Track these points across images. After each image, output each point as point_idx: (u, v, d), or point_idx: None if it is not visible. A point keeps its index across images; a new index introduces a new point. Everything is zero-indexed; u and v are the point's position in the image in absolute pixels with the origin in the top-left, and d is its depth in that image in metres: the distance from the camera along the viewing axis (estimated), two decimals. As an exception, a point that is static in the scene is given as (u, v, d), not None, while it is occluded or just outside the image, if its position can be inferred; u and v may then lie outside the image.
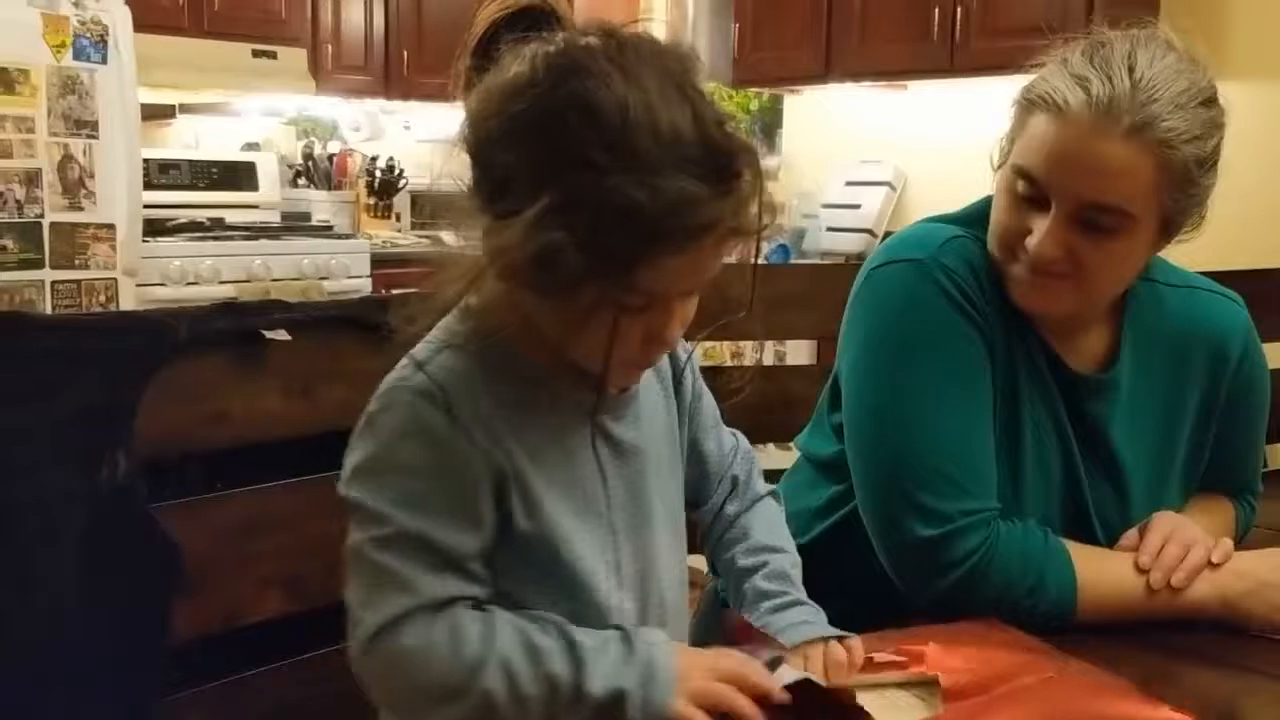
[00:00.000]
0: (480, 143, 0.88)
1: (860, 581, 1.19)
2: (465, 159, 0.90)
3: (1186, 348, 1.35)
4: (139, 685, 1.08)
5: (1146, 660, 1.16)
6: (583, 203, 0.82)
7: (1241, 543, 1.40)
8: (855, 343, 1.32)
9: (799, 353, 3.53)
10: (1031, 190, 1.20)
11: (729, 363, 3.54)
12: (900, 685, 1.03)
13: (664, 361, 1.08)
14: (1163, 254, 1.30)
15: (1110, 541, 1.28)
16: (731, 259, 0.91)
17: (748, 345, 3.61)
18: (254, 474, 1.13)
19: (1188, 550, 1.22)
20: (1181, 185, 1.17)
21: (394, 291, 3.77)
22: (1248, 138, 3.36)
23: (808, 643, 1.03)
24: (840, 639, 1.04)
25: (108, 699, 1.07)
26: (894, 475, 1.25)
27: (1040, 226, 1.20)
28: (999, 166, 1.26)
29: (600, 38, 0.88)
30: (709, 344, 3.74)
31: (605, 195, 0.82)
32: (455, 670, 0.87)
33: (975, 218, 1.31)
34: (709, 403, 1.18)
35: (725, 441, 1.20)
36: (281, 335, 1.09)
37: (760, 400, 1.77)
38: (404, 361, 0.94)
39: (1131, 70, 1.15)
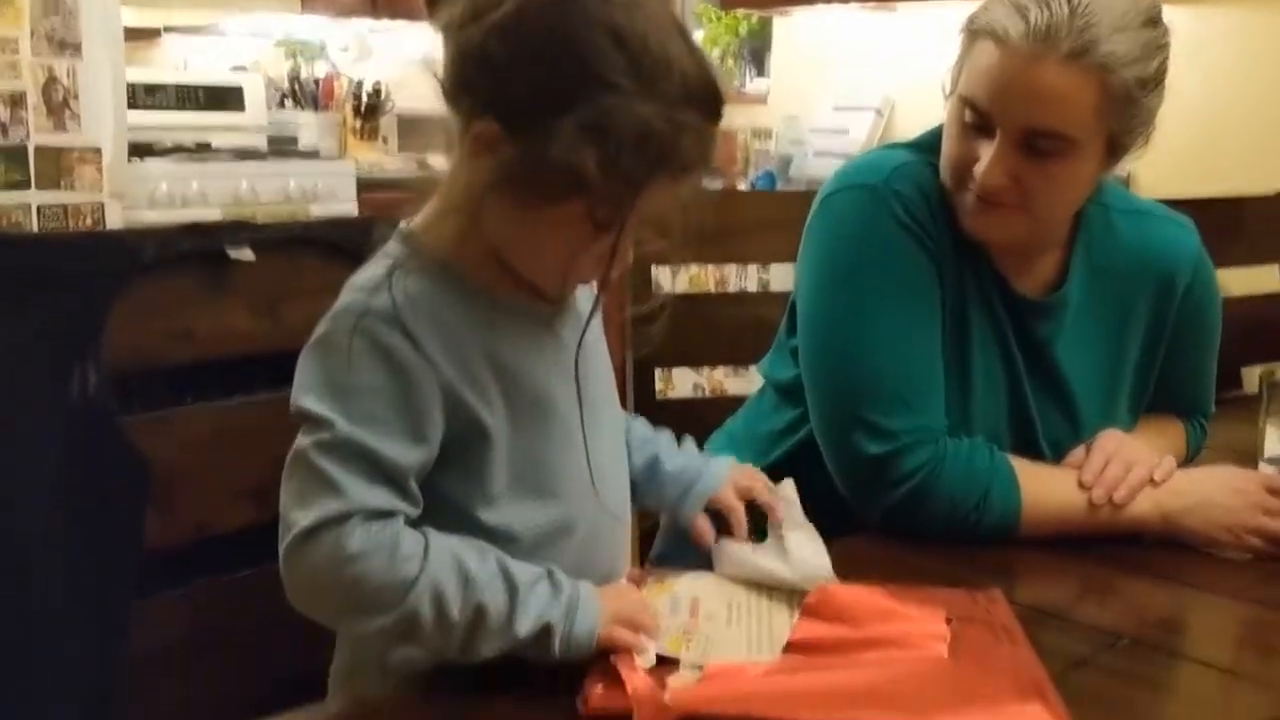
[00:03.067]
0: (489, 55, 0.89)
1: (820, 500, 1.22)
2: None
3: (1136, 272, 1.37)
4: (112, 595, 1.12)
5: (1088, 571, 1.21)
6: (610, 124, 0.87)
7: (1192, 463, 1.43)
8: (809, 267, 1.35)
9: (784, 279, 3.52)
10: (977, 119, 1.22)
11: (713, 290, 3.57)
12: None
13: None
14: (1138, 175, 1.31)
15: (1058, 460, 1.31)
16: None
17: (731, 271, 3.64)
18: (221, 389, 1.17)
19: (1130, 468, 1.25)
20: (1125, 107, 1.19)
21: (374, 217, 3.74)
22: (1211, 61, 3.35)
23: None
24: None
25: (81, 609, 1.11)
26: (844, 394, 1.28)
27: (987, 154, 1.21)
28: (949, 96, 1.28)
29: None
30: (694, 270, 3.69)
31: (631, 119, 0.87)
32: (387, 585, 0.88)
33: (928, 144, 1.33)
34: None
35: None
36: (247, 255, 1.12)
37: (734, 326, 1.81)
38: (355, 285, 0.95)
39: None
